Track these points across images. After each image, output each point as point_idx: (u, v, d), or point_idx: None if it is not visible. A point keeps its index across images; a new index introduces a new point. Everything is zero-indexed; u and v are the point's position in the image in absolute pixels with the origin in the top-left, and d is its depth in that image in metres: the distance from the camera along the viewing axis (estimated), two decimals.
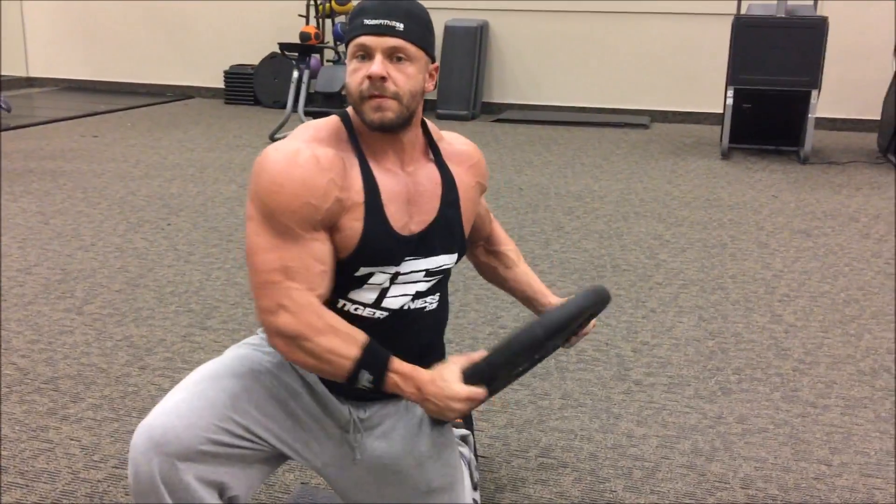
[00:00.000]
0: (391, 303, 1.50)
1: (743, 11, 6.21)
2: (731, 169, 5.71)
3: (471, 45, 7.69)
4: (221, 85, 8.56)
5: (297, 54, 6.68)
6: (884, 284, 3.46)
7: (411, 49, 1.40)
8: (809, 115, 5.81)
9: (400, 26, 1.38)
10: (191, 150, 6.10)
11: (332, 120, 1.48)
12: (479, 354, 1.42)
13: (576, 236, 4.11)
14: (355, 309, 1.49)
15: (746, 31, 5.81)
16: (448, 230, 1.53)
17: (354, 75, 1.40)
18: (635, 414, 2.40)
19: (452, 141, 1.62)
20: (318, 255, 1.39)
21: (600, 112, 7.75)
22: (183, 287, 3.37)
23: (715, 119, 7.00)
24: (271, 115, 7.53)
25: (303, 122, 6.35)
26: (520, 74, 8.03)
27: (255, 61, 8.36)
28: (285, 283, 1.36)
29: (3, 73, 9.17)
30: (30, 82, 9.58)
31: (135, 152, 6.02)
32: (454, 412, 1.39)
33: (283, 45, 6.79)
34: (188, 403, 1.38)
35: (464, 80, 7.68)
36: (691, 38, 7.52)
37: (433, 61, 1.48)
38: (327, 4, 7.75)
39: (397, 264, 1.47)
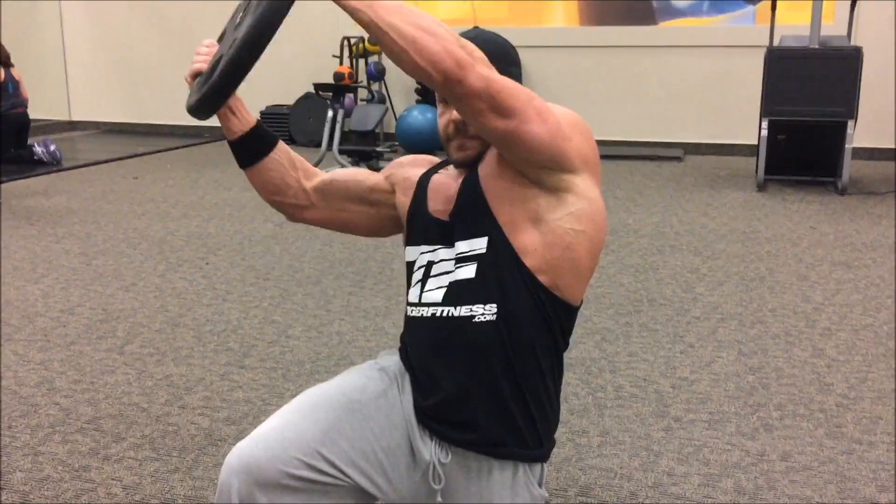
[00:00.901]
0: (429, 296, 1.50)
1: (776, 43, 6.20)
2: (768, 201, 5.66)
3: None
4: None
5: (331, 94, 6.78)
6: None
7: None
8: (846, 146, 5.75)
9: None
10: (228, 190, 6.20)
11: (435, 160, 1.70)
12: None
13: (611, 270, 4.09)
14: (410, 311, 1.55)
15: (780, 63, 5.80)
16: (470, 209, 1.48)
17: (441, 118, 1.51)
18: (676, 451, 2.37)
19: None
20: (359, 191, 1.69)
21: (633, 146, 7.75)
22: (221, 326, 3.41)
23: (749, 151, 6.95)
24: (307, 154, 7.57)
25: (337, 160, 6.44)
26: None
27: (290, 101, 8.51)
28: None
29: (46, 117, 9.42)
30: (72, 126, 9.83)
31: (173, 192, 6.13)
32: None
33: (317, 86, 6.91)
34: (278, 433, 1.42)
35: None
36: (724, 71, 7.51)
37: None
38: (361, 45, 7.88)
39: (429, 243, 1.54)
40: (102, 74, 9.62)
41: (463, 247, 1.48)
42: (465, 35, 1.46)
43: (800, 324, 3.35)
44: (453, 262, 1.49)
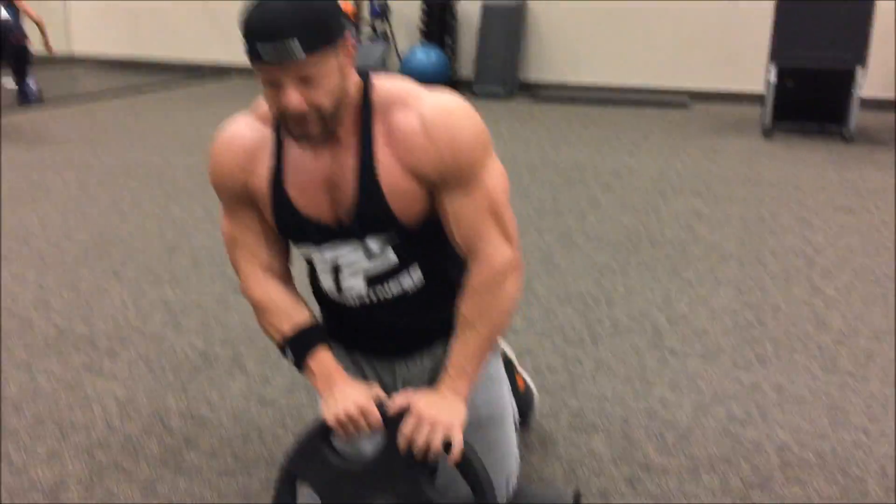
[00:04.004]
0: (350, 288, 1.45)
1: None
2: (773, 147, 5.60)
3: (509, 24, 7.62)
4: None
5: None
6: None
7: (319, 60, 1.22)
8: (855, 93, 5.67)
9: (298, 47, 1.19)
10: None
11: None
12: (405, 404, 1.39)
13: (612, 210, 4.06)
14: (329, 295, 1.50)
15: (789, 6, 5.68)
16: (370, 215, 1.37)
17: (270, 102, 1.28)
18: (669, 380, 2.37)
19: (409, 112, 1.34)
20: (250, 224, 1.45)
21: (639, 92, 7.65)
22: (218, 253, 3.39)
23: (757, 99, 6.86)
24: None
25: None
26: (558, 54, 7.95)
27: None
28: (237, 250, 1.48)
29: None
30: (72, 59, 9.71)
31: (172, 127, 6.07)
32: (337, 416, 1.38)
33: None
34: None
35: (501, 59, 7.62)
36: (732, 16, 7.38)
37: (343, 40, 1.27)
38: None
39: (317, 244, 1.42)
40: (103, 7, 9.48)
41: (372, 244, 1.40)
42: (267, 4, 1.23)
43: (800, 264, 3.33)
44: (363, 257, 1.42)
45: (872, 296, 3.01)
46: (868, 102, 6.38)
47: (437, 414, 1.35)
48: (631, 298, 2.97)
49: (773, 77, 5.84)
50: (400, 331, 1.52)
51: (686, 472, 1.93)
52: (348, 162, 1.35)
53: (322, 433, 1.43)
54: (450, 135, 1.32)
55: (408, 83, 1.39)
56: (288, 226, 1.42)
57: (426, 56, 7.35)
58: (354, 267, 1.43)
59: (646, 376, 2.39)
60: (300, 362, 1.46)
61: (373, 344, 1.56)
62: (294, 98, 1.23)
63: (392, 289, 1.45)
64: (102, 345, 2.55)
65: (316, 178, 1.37)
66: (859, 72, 5.61)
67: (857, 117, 5.76)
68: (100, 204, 4.06)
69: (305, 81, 1.23)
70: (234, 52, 8.86)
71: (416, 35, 8.07)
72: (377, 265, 1.42)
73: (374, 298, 1.46)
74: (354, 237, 1.40)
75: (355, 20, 7.37)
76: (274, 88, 1.25)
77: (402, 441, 1.35)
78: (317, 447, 1.44)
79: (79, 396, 2.24)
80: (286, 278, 1.50)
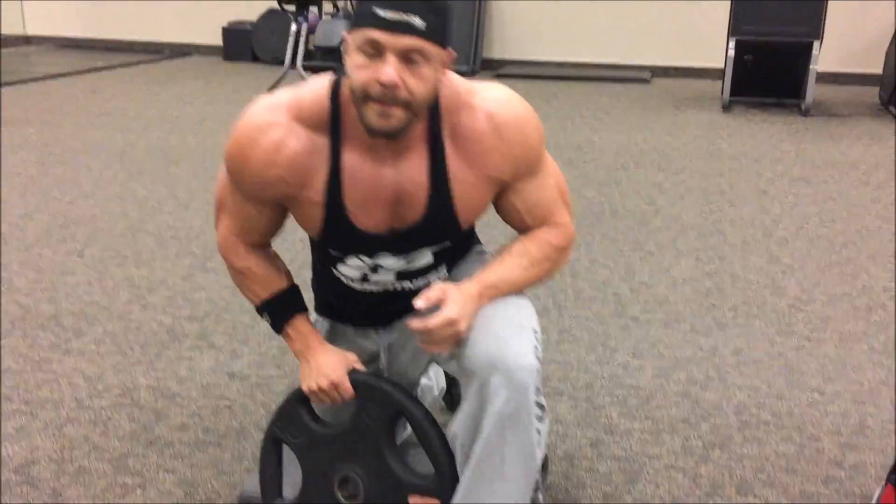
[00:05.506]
0: (377, 282, 1.45)
1: None
2: (732, 121, 5.69)
3: (472, 2, 7.62)
4: (219, 42, 8.50)
5: (294, 8, 6.62)
6: (881, 227, 3.47)
7: (430, 48, 1.20)
8: (811, 67, 5.77)
9: (419, 22, 1.18)
10: (189, 104, 6.08)
11: (322, 95, 1.31)
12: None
13: (575, 184, 4.11)
14: (347, 281, 1.47)
15: None
16: (434, 230, 1.38)
17: (360, 72, 1.20)
18: (632, 347, 2.42)
19: (474, 113, 1.31)
20: (252, 217, 1.41)
21: (601, 67, 7.70)
22: (183, 232, 3.38)
23: (716, 74, 6.94)
24: (271, 72, 7.49)
25: (302, 76, 6.33)
26: (520, 30, 7.96)
27: (253, 17, 8.30)
28: (222, 213, 1.45)
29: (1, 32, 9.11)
30: (27, 40, 9.52)
31: (133, 106, 5.99)
32: (310, 388, 1.42)
33: None
34: None
35: (464, 35, 7.61)
36: None
37: (448, 48, 1.26)
38: None
39: (370, 255, 1.40)
40: None
41: (417, 256, 1.41)
42: None
43: (757, 234, 3.41)
44: (404, 262, 1.42)
45: (827, 263, 3.09)
46: (824, 76, 6.49)
47: (462, 320, 1.30)
48: (594, 269, 3.03)
49: (731, 52, 5.92)
50: (399, 308, 1.49)
51: (648, 434, 1.99)
52: (417, 175, 1.31)
53: (300, 398, 1.46)
54: (520, 131, 1.33)
55: (457, 78, 1.35)
56: (338, 239, 1.39)
57: None
58: (391, 267, 1.42)
59: (609, 343, 2.45)
60: (277, 327, 1.49)
61: (366, 318, 1.56)
62: (393, 70, 1.18)
63: (419, 283, 1.46)
64: (68, 323, 2.54)
65: (378, 191, 1.31)
66: (816, 46, 5.71)
67: (813, 91, 5.86)
68: (61, 184, 4.02)
69: (408, 61, 1.19)
70: (194, 31, 8.79)
71: None
72: (412, 265, 1.43)
73: (396, 288, 1.46)
74: (409, 249, 1.40)
75: None
76: (371, 59, 1.19)
77: (420, 325, 1.30)
78: (296, 411, 1.47)
79: (47, 374, 2.23)
80: (267, 246, 1.50)
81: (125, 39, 9.08)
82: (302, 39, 6.46)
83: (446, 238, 1.41)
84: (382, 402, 1.41)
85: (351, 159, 1.30)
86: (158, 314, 2.62)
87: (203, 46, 8.75)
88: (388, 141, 1.27)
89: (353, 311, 1.56)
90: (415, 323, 1.31)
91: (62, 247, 3.19)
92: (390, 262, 1.41)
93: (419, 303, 1.30)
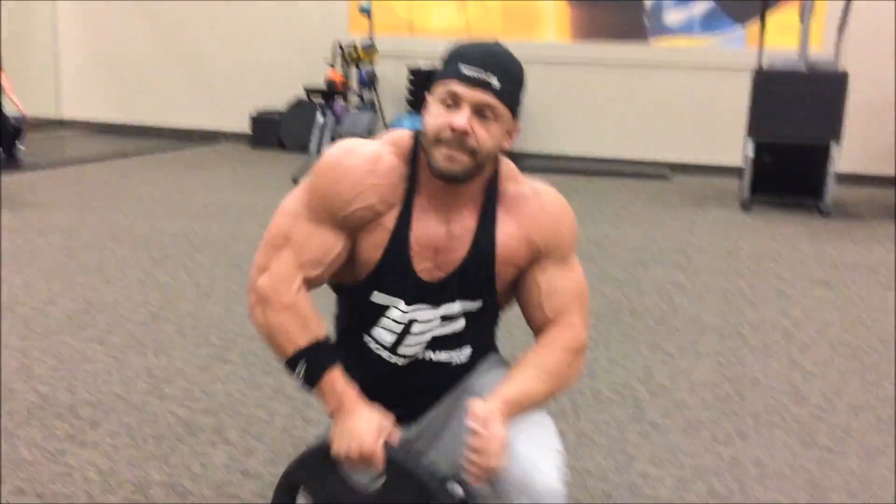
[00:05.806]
0: (407, 348, 1.47)
1: (763, 65, 6.27)
2: (752, 220, 5.72)
3: None
4: (247, 129, 8.72)
5: (321, 99, 6.81)
6: None
7: (500, 108, 1.35)
8: (830, 169, 5.82)
9: (496, 83, 1.33)
10: (215, 192, 6.20)
11: (406, 136, 1.45)
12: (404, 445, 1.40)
13: (594, 281, 4.12)
14: (376, 348, 1.48)
15: (766, 84, 5.87)
16: (472, 278, 1.44)
17: (436, 119, 1.35)
18: (651, 455, 2.39)
19: (521, 186, 1.48)
20: (325, 245, 1.41)
21: (620, 163, 7.81)
22: (204, 321, 3.41)
23: (736, 172, 7.02)
24: (297, 160, 7.65)
25: None
26: (540, 124, 8.12)
27: (281, 106, 8.52)
28: (283, 249, 1.41)
29: (36, 115, 9.38)
30: (62, 123, 9.80)
31: (160, 192, 6.12)
32: (344, 452, 1.35)
33: (308, 90, 6.93)
34: None
35: None
36: (713, 92, 7.59)
37: (516, 120, 1.41)
38: (353, 52, 7.93)
39: (408, 302, 1.44)
40: (94, 73, 9.61)
41: (454, 308, 1.46)
42: (485, 45, 1.37)
43: (778, 338, 3.38)
44: (438, 320, 1.46)
45: (849, 370, 3.06)
46: (844, 177, 6.54)
47: (500, 440, 1.31)
48: (612, 370, 3.01)
49: (750, 152, 5.99)
50: (416, 393, 1.51)
51: None
52: (468, 220, 1.43)
53: (326, 454, 1.40)
54: (560, 213, 1.50)
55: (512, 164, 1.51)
56: (390, 277, 1.42)
57: (413, 125, 7.48)
58: (425, 328, 1.45)
59: (627, 450, 2.41)
60: (313, 379, 1.41)
61: (388, 398, 1.51)
62: (465, 117, 1.32)
63: (446, 356, 1.49)
64: (85, 413, 2.54)
65: (433, 235, 1.42)
66: (834, 147, 5.77)
67: (832, 191, 5.90)
68: (85, 269, 4.08)
69: (481, 115, 1.34)
70: (222, 117, 9.03)
71: (403, 104, 8.23)
72: (444, 327, 1.46)
73: (423, 358, 1.48)
74: (446, 300, 1.44)
75: (343, 89, 7.52)
76: (449, 109, 1.34)
77: (468, 460, 1.31)
78: (318, 465, 1.42)
79: (61, 467, 2.22)
80: (315, 288, 1.48)
81: (155, 124, 9.34)
82: (328, 130, 6.62)
83: (480, 294, 1.46)
84: (414, 490, 1.35)
85: (421, 201, 1.42)
86: (174, 406, 2.62)
87: (231, 134, 8.98)
88: (450, 188, 1.39)
89: (374, 389, 1.50)
90: (473, 424, 1.30)
91: (83, 333, 3.22)
92: (426, 315, 1.44)
93: (471, 422, 1.31)
